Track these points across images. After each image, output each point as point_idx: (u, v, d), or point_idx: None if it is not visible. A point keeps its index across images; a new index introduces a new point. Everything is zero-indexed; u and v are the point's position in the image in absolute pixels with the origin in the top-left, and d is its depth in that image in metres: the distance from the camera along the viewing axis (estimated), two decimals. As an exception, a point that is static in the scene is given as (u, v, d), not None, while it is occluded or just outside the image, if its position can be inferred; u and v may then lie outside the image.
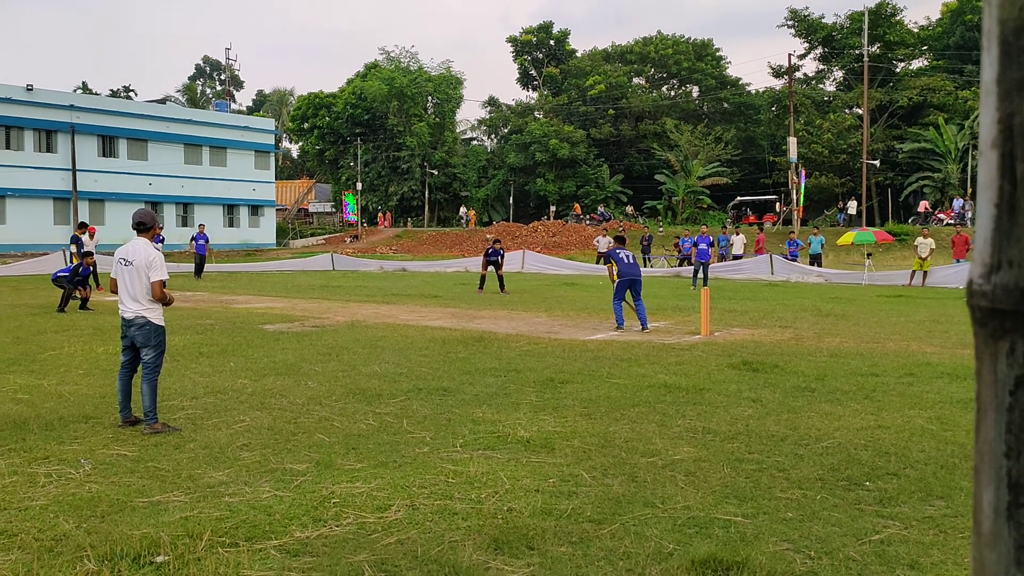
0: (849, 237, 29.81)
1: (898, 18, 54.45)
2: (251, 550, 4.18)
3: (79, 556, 4.04)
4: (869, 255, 27.89)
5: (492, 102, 74.47)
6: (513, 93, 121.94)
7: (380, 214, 63.89)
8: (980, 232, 0.82)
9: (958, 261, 26.15)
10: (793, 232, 36.11)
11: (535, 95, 71.94)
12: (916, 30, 56.90)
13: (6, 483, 5.28)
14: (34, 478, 5.39)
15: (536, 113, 68.75)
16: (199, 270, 27.88)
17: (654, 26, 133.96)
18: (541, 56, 70.93)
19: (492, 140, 76.81)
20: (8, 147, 43.88)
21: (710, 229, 40.76)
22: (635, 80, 69.85)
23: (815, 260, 29.78)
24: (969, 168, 46.41)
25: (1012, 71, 0.74)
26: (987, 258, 0.79)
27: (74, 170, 45.40)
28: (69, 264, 17.66)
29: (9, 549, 4.17)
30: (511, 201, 65.48)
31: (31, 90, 44.33)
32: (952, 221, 39.76)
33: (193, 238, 28.36)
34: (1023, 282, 0.73)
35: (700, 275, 23.88)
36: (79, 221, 19.11)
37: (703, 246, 24.47)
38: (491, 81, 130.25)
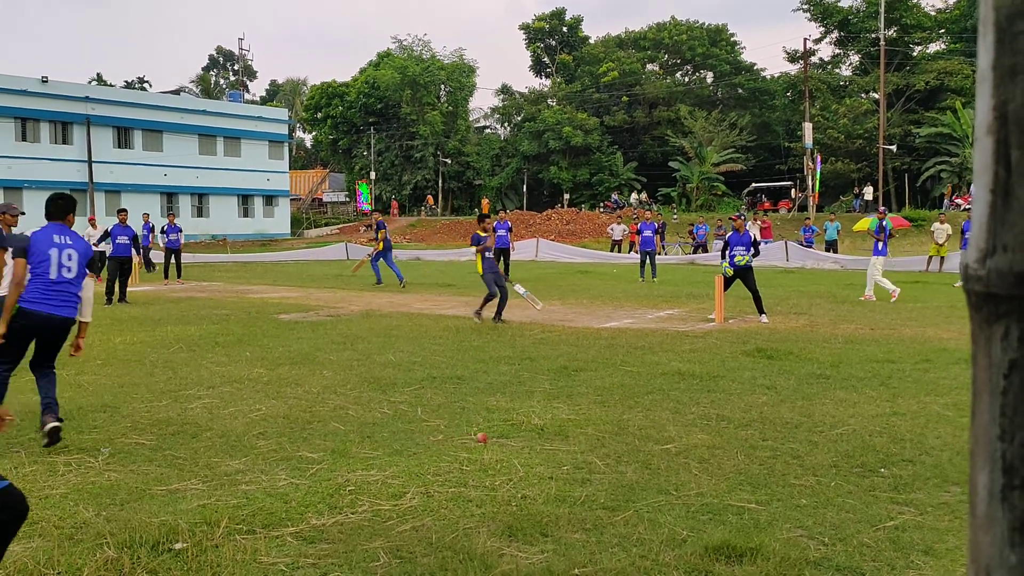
0: (865, 223, 29.63)
1: (915, 1, 53.83)
2: (268, 537, 4.22)
3: (99, 543, 4.10)
4: (885, 241, 27.65)
5: (505, 90, 74.30)
6: (526, 81, 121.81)
7: (394, 202, 63.90)
8: (976, 217, 0.83)
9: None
10: (808, 218, 35.86)
11: (548, 82, 71.70)
12: (933, 13, 56.21)
13: (27, 472, 5.35)
14: (54, 467, 5.46)
15: (549, 101, 68.53)
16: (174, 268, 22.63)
17: (668, 11, 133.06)
18: (554, 43, 70.66)
19: (505, 128, 76.67)
20: (24, 139, 44.19)
21: (722, 216, 40.61)
22: (649, 66, 69.47)
23: (831, 246, 29.62)
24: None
25: (1006, 57, 0.74)
26: (982, 243, 0.79)
27: (90, 162, 45.69)
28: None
29: (30, 537, 4.24)
30: (524, 189, 65.42)
31: (46, 82, 44.59)
32: (969, 206, 39.40)
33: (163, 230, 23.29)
34: (1017, 267, 0.74)
35: (648, 264, 22.02)
36: (118, 208, 18.54)
37: (648, 233, 22.37)
38: (504, 69, 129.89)
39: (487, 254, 13.04)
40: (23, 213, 9.11)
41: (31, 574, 3.78)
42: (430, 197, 62.21)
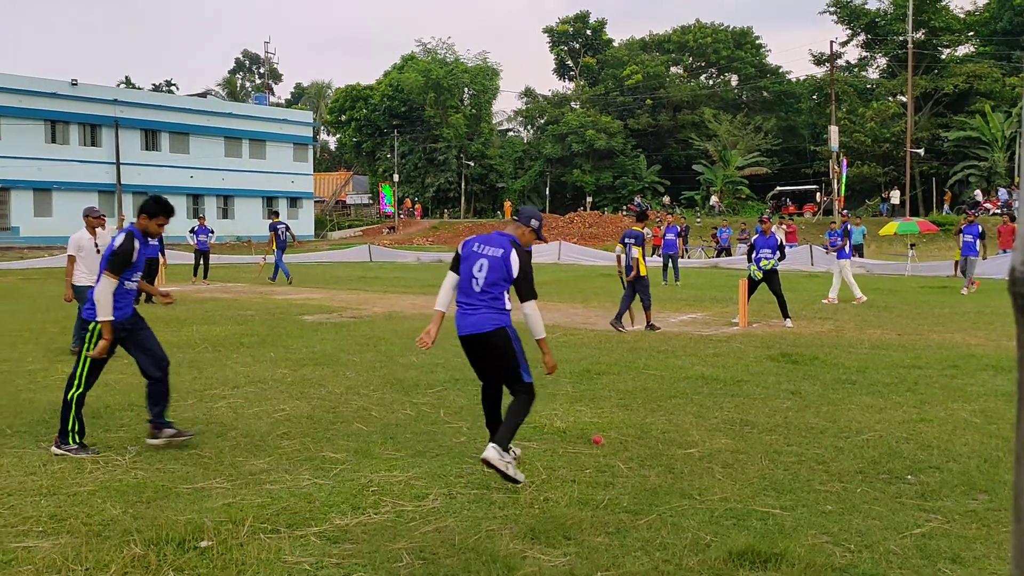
0: (892, 227, 29.35)
1: (944, 3, 53.17)
2: (292, 536, 4.25)
3: (126, 540, 4.14)
4: (913, 245, 27.41)
5: (528, 93, 74.33)
6: (549, 84, 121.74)
7: (407, 201, 63.97)
8: (1022, 219, 0.82)
9: (1004, 251, 25.53)
10: (834, 223, 35.51)
11: (572, 85, 71.70)
12: (962, 15, 55.52)
13: (55, 469, 5.42)
14: (82, 464, 5.52)
15: (573, 104, 68.51)
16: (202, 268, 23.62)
17: (692, 14, 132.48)
18: (578, 46, 70.62)
19: (528, 131, 76.70)
20: (54, 141, 44.82)
21: (746, 220, 40.35)
22: (673, 69, 69.23)
23: (856, 250, 29.33)
24: (1017, 156, 45.32)
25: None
26: (1027, 245, 0.78)
27: (118, 163, 46.25)
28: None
29: (59, 533, 4.29)
30: (547, 192, 65.39)
31: (76, 85, 45.21)
32: (998, 211, 38.85)
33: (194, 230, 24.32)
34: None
35: (671, 268, 22.17)
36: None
37: (670, 236, 22.59)
38: (527, 72, 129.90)
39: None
40: (104, 215, 10.40)
41: (59, 570, 3.83)
42: (408, 200, 62.75)
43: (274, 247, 22.97)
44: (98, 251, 10.43)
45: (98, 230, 10.28)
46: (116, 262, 5.78)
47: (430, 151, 65.19)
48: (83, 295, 10.14)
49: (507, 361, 5.24)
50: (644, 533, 4.30)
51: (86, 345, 5.84)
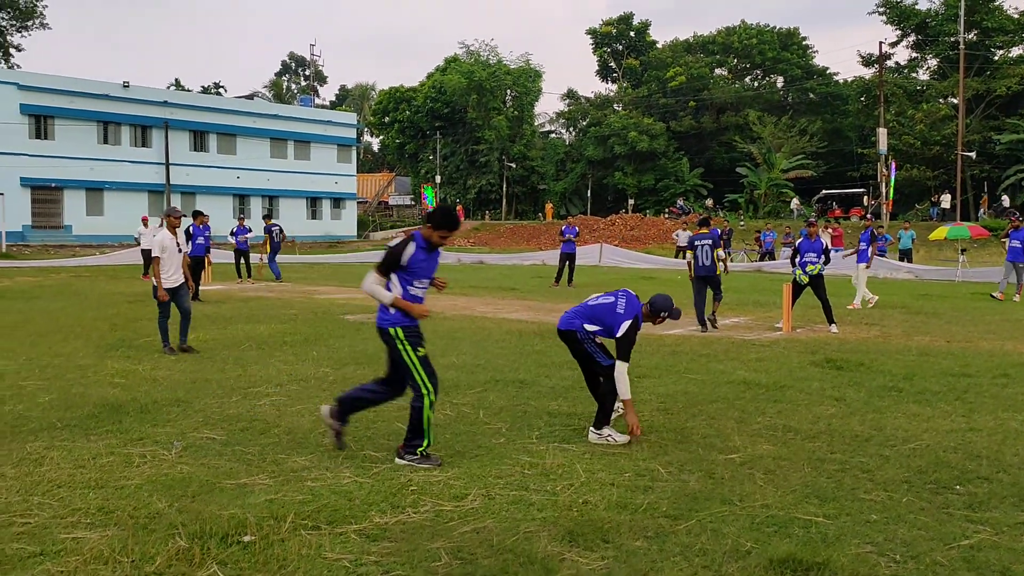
0: (942, 232, 28.72)
1: (997, 3, 51.90)
2: (332, 533, 4.29)
3: (171, 534, 4.22)
4: (963, 251, 26.82)
5: (571, 95, 74.21)
6: (592, 85, 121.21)
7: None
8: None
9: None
10: (881, 227, 34.92)
11: (614, 87, 71.40)
12: (1016, 16, 54.11)
13: (104, 463, 5.54)
14: (129, 458, 5.64)
15: (615, 106, 68.24)
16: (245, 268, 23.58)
17: (737, 15, 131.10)
18: (621, 48, 70.35)
19: (570, 133, 76.59)
20: (106, 142, 45.87)
21: (790, 224, 39.81)
22: (717, 71, 68.62)
23: (905, 255, 28.82)
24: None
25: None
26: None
27: (167, 164, 47.19)
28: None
29: (106, 525, 4.38)
30: (589, 194, 65.22)
31: (127, 87, 46.21)
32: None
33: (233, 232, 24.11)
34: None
35: None
36: (195, 210, 18.91)
37: None
38: (570, 74, 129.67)
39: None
40: (185, 215, 10.58)
41: (107, 561, 3.91)
42: (425, 203, 63.19)
43: (268, 248, 23.71)
44: (180, 250, 10.63)
45: (174, 229, 10.56)
46: (385, 261, 5.65)
47: (472, 153, 65.43)
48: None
49: (580, 356, 6.39)
50: (683, 538, 4.27)
51: (405, 353, 5.66)
